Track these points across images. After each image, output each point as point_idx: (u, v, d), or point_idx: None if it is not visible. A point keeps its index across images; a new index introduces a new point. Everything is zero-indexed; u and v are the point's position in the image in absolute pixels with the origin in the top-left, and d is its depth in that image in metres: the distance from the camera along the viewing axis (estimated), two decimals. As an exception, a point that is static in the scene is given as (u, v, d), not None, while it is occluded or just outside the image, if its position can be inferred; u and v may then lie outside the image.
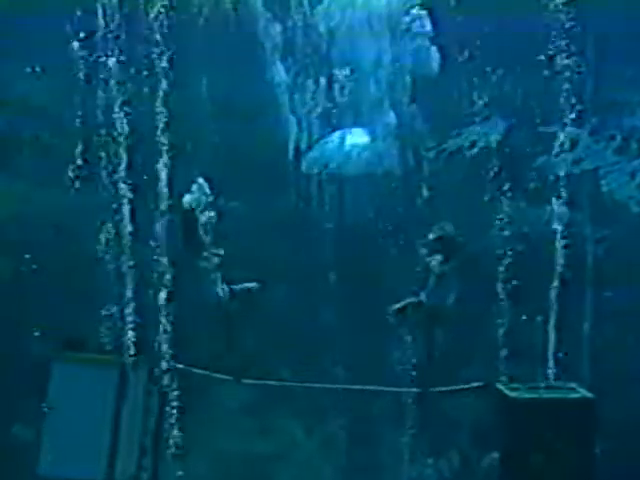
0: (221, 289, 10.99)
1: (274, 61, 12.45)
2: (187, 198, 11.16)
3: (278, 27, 12.27)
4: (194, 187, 11.25)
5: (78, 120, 11.19)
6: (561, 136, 11.08)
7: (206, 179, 11.23)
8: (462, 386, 11.00)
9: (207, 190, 11.22)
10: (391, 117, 12.40)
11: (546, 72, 10.87)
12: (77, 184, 11.18)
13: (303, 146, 12.67)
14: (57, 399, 10.57)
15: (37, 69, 12.47)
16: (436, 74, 11.88)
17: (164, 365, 10.62)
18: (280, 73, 12.51)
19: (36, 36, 12.17)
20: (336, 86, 12.31)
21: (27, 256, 11.96)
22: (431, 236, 11.06)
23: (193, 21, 11.65)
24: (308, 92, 12.48)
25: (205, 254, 10.99)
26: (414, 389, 11.53)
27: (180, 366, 10.65)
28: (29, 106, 13.04)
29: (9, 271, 11.94)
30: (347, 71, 12.31)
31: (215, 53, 11.94)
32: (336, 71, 12.38)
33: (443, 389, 10.93)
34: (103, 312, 10.70)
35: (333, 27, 12.23)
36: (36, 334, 11.52)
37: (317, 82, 12.50)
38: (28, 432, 11.23)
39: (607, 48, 11.41)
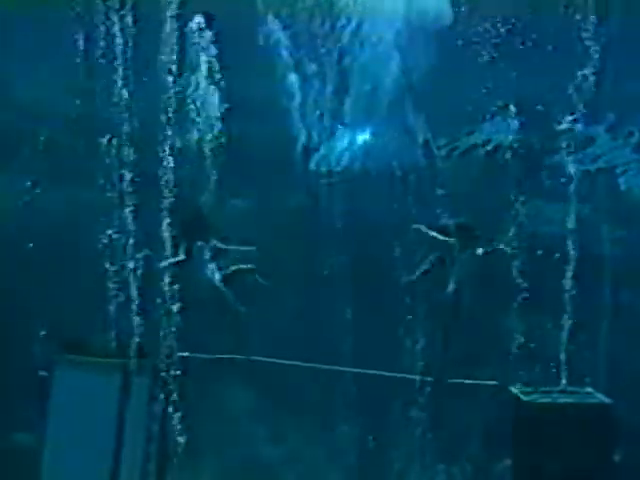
0: (215, 273, 10.77)
1: (284, 58, 12.33)
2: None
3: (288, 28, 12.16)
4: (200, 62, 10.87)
5: (80, 118, 11.17)
6: (577, 133, 10.89)
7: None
8: (476, 382, 10.89)
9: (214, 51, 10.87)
10: (402, 114, 12.23)
11: (562, 68, 10.69)
12: (78, 182, 11.16)
13: (312, 144, 12.55)
14: (59, 404, 10.46)
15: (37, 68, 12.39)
16: (447, 26, 11.63)
17: (170, 357, 10.50)
18: (290, 69, 12.40)
19: (36, 35, 12.10)
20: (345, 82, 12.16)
21: (27, 257, 11.89)
22: (451, 222, 10.88)
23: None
24: (317, 89, 12.35)
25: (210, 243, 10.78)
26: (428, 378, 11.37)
27: (186, 354, 10.54)
28: (29, 106, 12.96)
29: (10, 271, 11.83)
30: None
31: (224, 51, 11.80)
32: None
33: (456, 380, 10.81)
34: (105, 314, 10.62)
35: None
36: (38, 336, 11.47)
37: (326, 79, 12.37)
38: (30, 438, 11.10)
39: (625, 43, 11.17)
